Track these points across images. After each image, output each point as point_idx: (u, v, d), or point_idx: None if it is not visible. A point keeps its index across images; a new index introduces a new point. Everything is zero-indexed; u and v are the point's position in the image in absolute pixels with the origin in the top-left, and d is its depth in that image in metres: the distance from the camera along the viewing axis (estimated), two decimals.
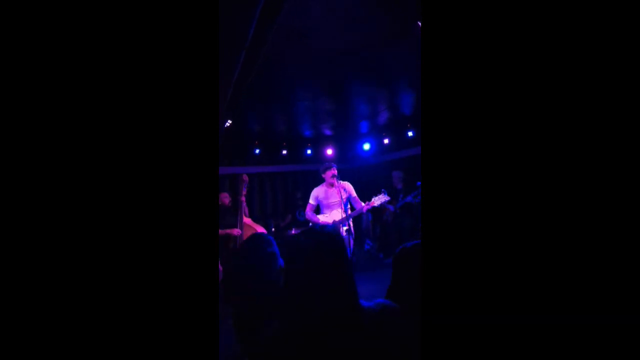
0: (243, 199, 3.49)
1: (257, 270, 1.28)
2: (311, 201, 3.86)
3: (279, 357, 0.83)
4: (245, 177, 3.55)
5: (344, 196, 3.62)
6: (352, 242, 3.52)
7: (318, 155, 6.77)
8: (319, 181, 3.91)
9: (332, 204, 3.74)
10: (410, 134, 5.84)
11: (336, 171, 3.72)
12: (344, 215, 3.58)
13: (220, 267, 3.31)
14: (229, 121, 4.16)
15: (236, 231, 3.37)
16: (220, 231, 3.42)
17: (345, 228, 3.54)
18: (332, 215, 3.67)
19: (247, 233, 3.42)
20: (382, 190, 3.71)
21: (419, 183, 4.88)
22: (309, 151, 6.79)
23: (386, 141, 6.27)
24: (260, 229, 3.51)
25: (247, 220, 3.51)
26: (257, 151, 6.54)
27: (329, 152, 6.63)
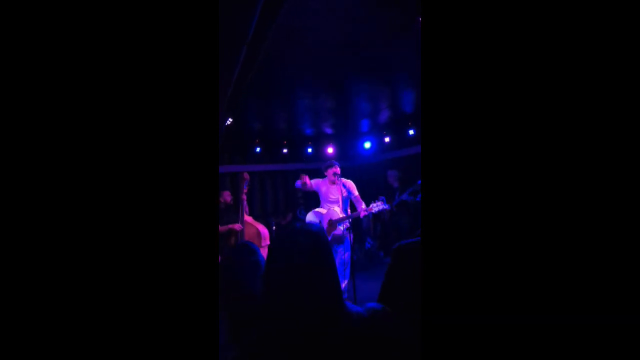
0: (244, 197, 3.50)
1: (238, 280, 1.27)
2: (309, 182, 3.84)
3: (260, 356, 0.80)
4: (246, 175, 3.55)
5: (345, 194, 3.62)
6: (351, 239, 3.52)
7: (319, 154, 6.77)
8: (321, 177, 3.89)
9: (332, 200, 3.73)
10: (411, 132, 5.84)
11: (339, 169, 3.71)
12: (342, 215, 3.58)
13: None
14: (230, 119, 4.16)
15: (237, 226, 3.37)
16: (222, 227, 3.42)
17: (342, 227, 3.55)
18: (330, 213, 3.66)
19: (248, 231, 3.42)
20: (381, 197, 3.70)
21: (419, 182, 4.89)
22: (309, 149, 6.79)
23: (387, 139, 6.27)
24: (261, 227, 3.51)
25: (248, 218, 3.51)
26: (258, 149, 6.55)
27: (330, 150, 6.63)
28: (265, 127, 5.77)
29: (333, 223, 3.56)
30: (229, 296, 1.25)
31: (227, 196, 3.99)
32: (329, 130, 6.39)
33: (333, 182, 3.71)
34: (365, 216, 3.74)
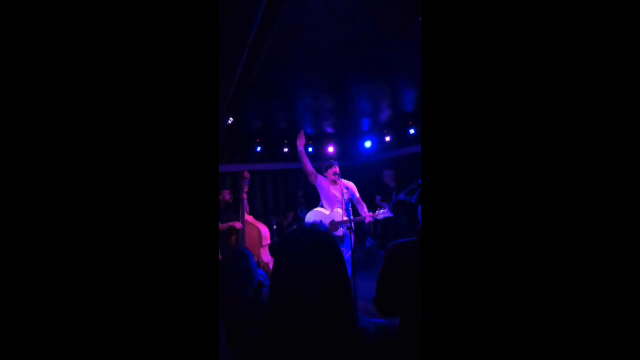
0: (244, 196, 3.49)
1: (231, 287, 1.26)
2: (316, 173, 3.73)
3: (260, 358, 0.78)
4: (247, 174, 3.54)
5: (346, 196, 3.61)
6: (352, 239, 3.52)
7: (319, 153, 6.77)
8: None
9: (332, 200, 3.72)
10: (411, 131, 5.83)
11: (338, 169, 3.70)
12: (345, 217, 3.56)
13: None
14: (231, 119, 4.16)
15: (238, 224, 3.37)
16: (222, 225, 3.42)
17: (342, 228, 3.54)
18: (333, 214, 3.65)
19: (249, 230, 3.42)
20: (385, 205, 3.69)
21: (418, 182, 4.90)
22: (310, 149, 6.78)
23: (387, 139, 6.26)
24: (262, 227, 3.51)
25: (248, 217, 3.51)
26: (259, 149, 6.54)
27: (330, 149, 6.63)
28: (266, 126, 5.77)
29: (336, 224, 3.55)
30: (222, 302, 1.25)
31: (226, 195, 3.98)
32: (329, 130, 6.39)
33: (334, 182, 3.70)
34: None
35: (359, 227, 5.34)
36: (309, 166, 3.72)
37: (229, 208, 3.91)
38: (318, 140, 6.79)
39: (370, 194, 3.91)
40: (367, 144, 6.65)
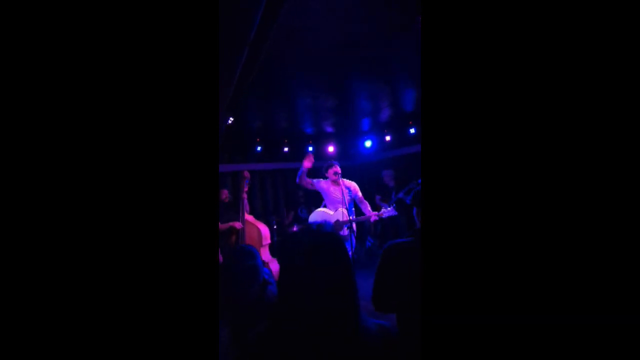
0: (244, 195, 3.49)
1: (237, 283, 1.26)
2: (312, 181, 3.79)
3: (264, 357, 0.79)
4: (247, 174, 3.54)
5: (347, 197, 3.61)
6: (354, 239, 3.52)
7: (319, 153, 6.77)
8: (322, 177, 3.88)
9: (335, 201, 3.73)
10: (412, 131, 5.83)
11: (339, 169, 3.70)
12: (350, 217, 3.56)
13: None
14: (231, 119, 4.16)
15: (238, 224, 3.37)
16: (223, 225, 3.42)
17: (347, 228, 3.54)
18: (336, 214, 3.65)
19: (249, 230, 3.42)
20: (385, 205, 3.70)
21: (416, 182, 4.90)
22: (310, 148, 6.78)
23: (388, 138, 6.26)
24: (262, 227, 3.51)
25: (248, 217, 3.51)
26: (259, 149, 6.54)
27: (331, 149, 6.63)
28: (266, 126, 5.77)
29: (340, 224, 3.56)
30: (228, 299, 1.25)
31: (222, 194, 3.98)
32: (329, 129, 6.38)
33: (335, 183, 3.70)
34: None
35: (359, 227, 5.35)
36: (305, 183, 3.78)
37: (229, 208, 3.91)
38: (318, 140, 6.79)
39: (371, 193, 3.91)
40: (367, 143, 6.65)
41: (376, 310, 1.45)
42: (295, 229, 5.29)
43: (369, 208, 3.73)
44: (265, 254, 3.47)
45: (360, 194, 3.76)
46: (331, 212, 3.69)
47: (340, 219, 3.55)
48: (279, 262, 0.86)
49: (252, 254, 1.35)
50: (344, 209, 3.56)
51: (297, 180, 3.76)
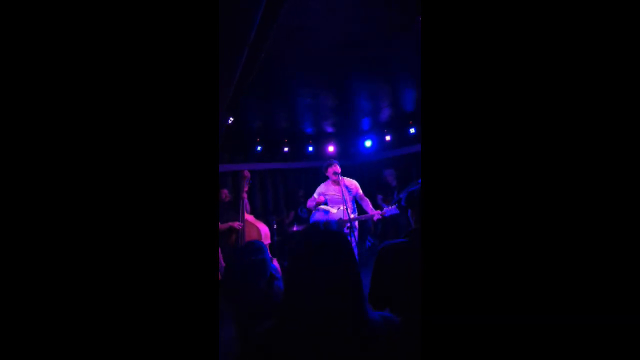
0: (245, 195, 3.49)
1: (245, 276, 1.28)
2: (315, 195, 3.87)
3: (271, 354, 0.80)
4: (247, 173, 3.54)
5: (347, 195, 3.61)
6: (355, 237, 3.52)
7: (319, 153, 6.77)
8: (322, 178, 3.90)
9: (335, 200, 3.74)
10: (412, 130, 5.83)
11: (338, 168, 3.70)
12: (351, 215, 3.57)
13: (223, 263, 3.32)
14: (231, 119, 4.16)
15: (237, 224, 3.37)
16: (222, 225, 3.42)
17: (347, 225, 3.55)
18: (338, 213, 3.66)
19: (249, 230, 3.42)
20: (395, 204, 3.71)
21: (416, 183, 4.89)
22: (310, 148, 6.78)
23: (388, 138, 6.26)
24: (262, 226, 3.51)
25: (249, 217, 3.51)
26: (259, 148, 6.54)
27: (331, 149, 6.63)
28: (266, 126, 5.77)
29: (342, 223, 3.56)
30: (236, 293, 1.26)
31: (222, 194, 3.98)
32: (329, 129, 6.38)
33: (335, 182, 3.71)
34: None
35: (360, 226, 5.36)
36: (313, 205, 3.89)
37: (228, 208, 3.91)
38: (318, 140, 6.79)
39: (371, 193, 3.92)
40: (368, 143, 6.65)
41: (374, 309, 1.47)
42: (295, 228, 5.29)
43: (370, 205, 3.73)
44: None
45: (360, 191, 3.77)
46: (333, 211, 3.70)
47: (343, 218, 3.56)
48: (287, 259, 0.88)
49: (261, 249, 1.37)
50: (344, 207, 3.56)
51: (307, 206, 3.90)
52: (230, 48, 2.03)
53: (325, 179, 3.85)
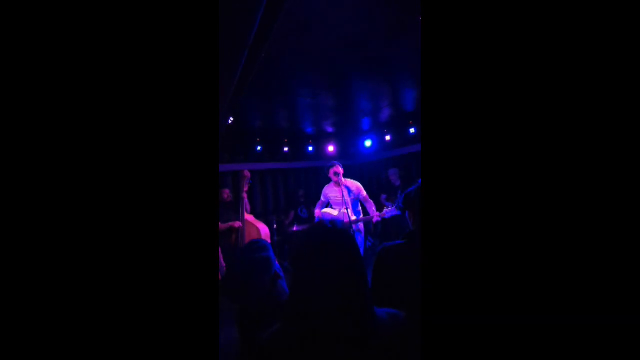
0: (245, 195, 3.49)
1: (248, 276, 1.27)
2: (322, 198, 3.88)
3: (278, 357, 0.81)
4: (247, 173, 3.55)
5: (347, 196, 3.61)
6: (359, 239, 3.53)
7: (319, 152, 6.77)
8: (322, 178, 3.91)
9: (337, 202, 3.74)
10: (412, 130, 5.84)
11: (339, 169, 3.70)
12: (353, 217, 3.57)
13: (224, 263, 3.33)
14: (231, 119, 4.16)
15: (237, 223, 3.37)
16: (222, 225, 3.43)
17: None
18: (338, 216, 3.67)
19: (249, 230, 3.42)
20: (396, 203, 3.71)
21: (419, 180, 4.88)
22: (310, 148, 6.78)
23: (388, 138, 6.26)
24: (262, 226, 3.51)
25: (249, 217, 3.51)
26: (259, 148, 6.54)
27: (331, 149, 6.63)
28: (266, 126, 5.77)
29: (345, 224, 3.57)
30: (239, 292, 1.26)
31: (224, 194, 3.99)
32: (329, 129, 6.38)
33: (337, 183, 3.71)
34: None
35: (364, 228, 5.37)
36: (320, 212, 3.94)
37: (229, 207, 3.91)
38: (318, 140, 6.79)
39: (371, 193, 3.93)
40: (368, 143, 6.65)
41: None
42: (295, 228, 5.29)
43: (374, 208, 3.74)
44: None
45: (364, 193, 3.76)
46: (334, 213, 3.71)
47: (345, 220, 3.55)
48: (292, 258, 0.88)
49: (265, 247, 1.37)
50: (344, 210, 3.56)
51: (315, 215, 3.95)
52: (230, 48, 2.03)
53: (329, 180, 3.85)
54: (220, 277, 3.09)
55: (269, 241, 3.56)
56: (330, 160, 3.93)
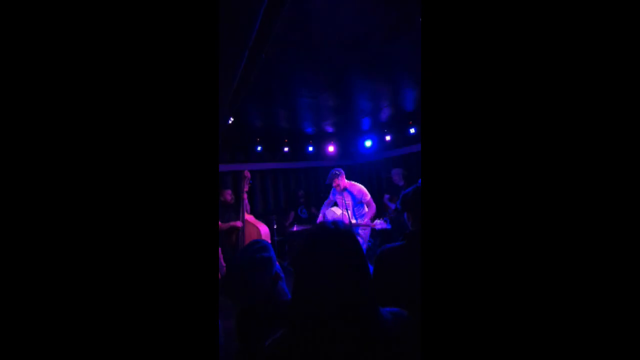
0: (245, 195, 3.50)
1: (249, 275, 1.27)
2: (330, 196, 3.94)
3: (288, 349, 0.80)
4: (247, 173, 3.55)
5: (348, 200, 3.66)
6: (366, 240, 3.55)
7: (320, 152, 6.77)
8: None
9: (341, 203, 3.80)
10: (412, 130, 5.84)
11: (339, 180, 3.75)
12: (353, 220, 3.59)
13: (224, 263, 3.33)
14: (231, 119, 4.16)
15: (238, 223, 3.38)
16: (223, 224, 3.43)
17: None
18: (341, 216, 3.71)
19: (249, 230, 3.43)
20: (386, 218, 3.72)
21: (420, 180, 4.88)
22: (310, 148, 6.78)
23: (388, 138, 6.27)
24: (262, 226, 3.51)
25: (249, 217, 3.52)
26: (259, 148, 6.55)
27: (331, 149, 6.63)
28: (266, 125, 5.77)
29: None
30: (240, 292, 1.26)
31: (227, 195, 3.99)
32: (329, 129, 6.38)
33: (342, 189, 3.77)
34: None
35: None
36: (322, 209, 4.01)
37: (229, 207, 3.92)
38: (318, 140, 6.79)
39: (371, 193, 3.94)
40: (368, 143, 6.65)
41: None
42: (295, 229, 5.29)
43: (374, 212, 3.77)
44: None
45: (368, 197, 3.78)
46: (338, 212, 3.76)
47: (345, 222, 3.59)
48: (294, 257, 0.89)
49: (266, 247, 1.37)
50: (346, 211, 3.58)
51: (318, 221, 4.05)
52: (231, 48, 2.03)
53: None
54: (220, 277, 3.09)
55: (269, 241, 3.57)
56: (330, 160, 3.96)
